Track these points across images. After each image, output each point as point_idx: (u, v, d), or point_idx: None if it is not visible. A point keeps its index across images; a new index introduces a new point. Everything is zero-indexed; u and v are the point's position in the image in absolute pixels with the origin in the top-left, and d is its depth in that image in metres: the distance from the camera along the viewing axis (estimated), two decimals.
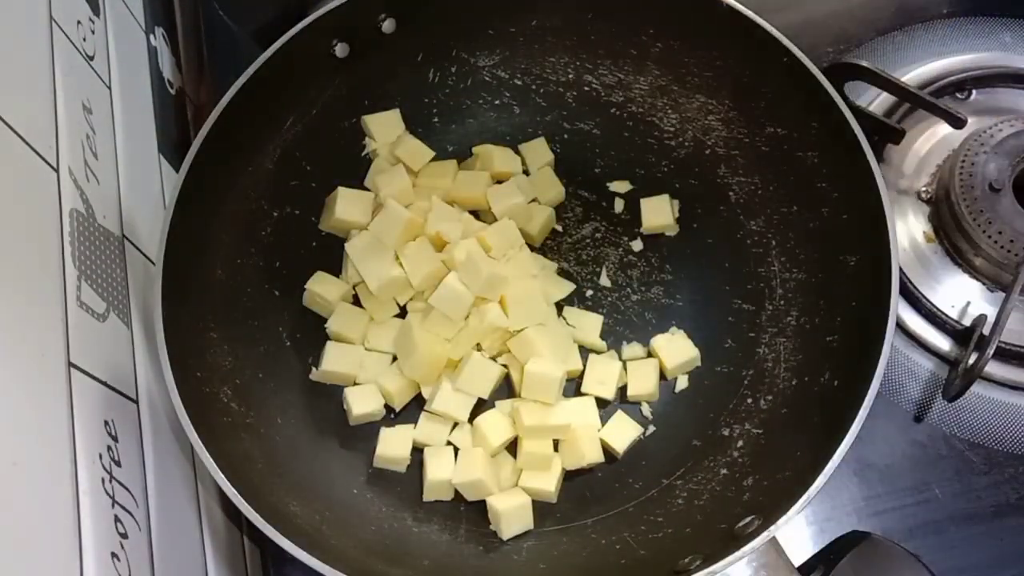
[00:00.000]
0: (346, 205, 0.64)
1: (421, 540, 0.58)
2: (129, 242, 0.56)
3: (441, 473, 0.59)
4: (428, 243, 0.63)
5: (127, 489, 0.46)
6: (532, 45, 0.68)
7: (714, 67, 0.65)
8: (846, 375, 0.55)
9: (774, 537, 0.47)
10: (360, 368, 0.63)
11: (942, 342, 0.67)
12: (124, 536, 0.44)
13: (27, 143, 0.44)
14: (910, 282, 0.68)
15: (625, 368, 0.65)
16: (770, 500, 0.51)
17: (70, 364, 0.43)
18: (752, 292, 0.65)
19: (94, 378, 0.46)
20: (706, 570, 0.47)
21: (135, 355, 0.53)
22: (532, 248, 0.68)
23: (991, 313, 0.65)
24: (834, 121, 0.57)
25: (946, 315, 0.67)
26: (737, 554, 0.47)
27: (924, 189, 0.72)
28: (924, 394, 0.66)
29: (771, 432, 0.58)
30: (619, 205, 0.70)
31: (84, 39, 0.55)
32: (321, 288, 0.64)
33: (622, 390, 0.65)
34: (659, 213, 0.68)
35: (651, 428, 0.64)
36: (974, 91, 0.76)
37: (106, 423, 0.46)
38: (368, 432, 0.62)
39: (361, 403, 0.61)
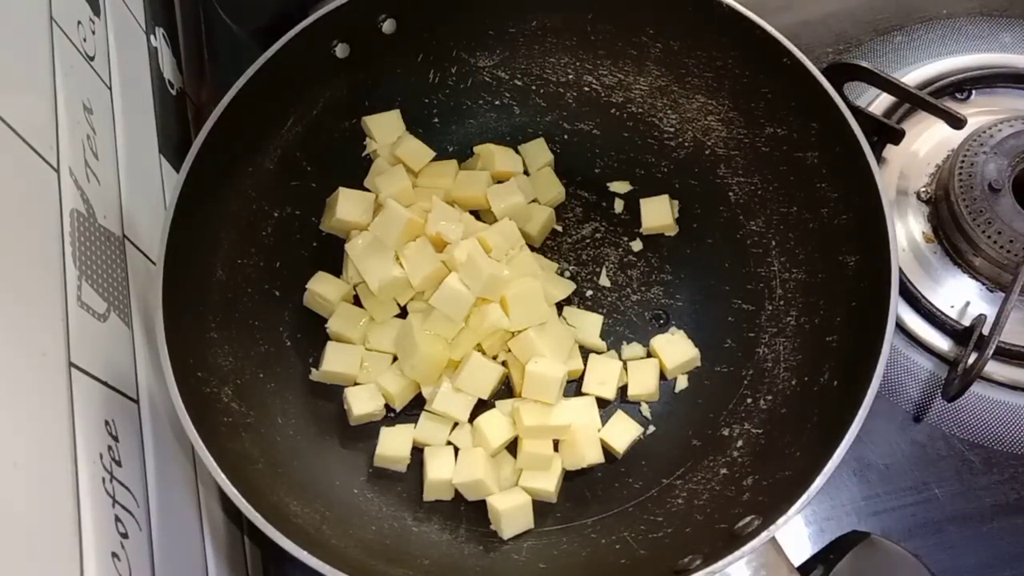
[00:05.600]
0: (347, 206, 0.64)
1: (421, 540, 0.58)
2: (130, 242, 0.56)
3: (441, 473, 0.59)
4: (428, 243, 0.63)
5: (127, 489, 0.46)
6: (532, 45, 0.68)
7: (714, 67, 0.65)
8: (846, 375, 0.55)
9: (774, 537, 0.47)
10: (360, 368, 0.63)
11: (941, 342, 0.67)
12: (124, 536, 0.44)
13: (27, 143, 0.45)
14: (910, 282, 0.68)
15: (625, 368, 0.65)
16: (770, 500, 0.51)
17: (71, 364, 0.43)
18: (752, 292, 0.65)
19: (95, 378, 0.46)
20: (706, 570, 0.47)
21: (136, 355, 0.53)
22: (532, 248, 0.68)
23: (990, 313, 0.65)
24: (834, 121, 0.57)
25: (945, 315, 0.67)
26: (737, 554, 0.47)
27: (923, 189, 0.72)
28: (924, 394, 0.66)
29: (771, 432, 0.58)
30: (619, 205, 0.70)
31: (84, 39, 0.55)
32: (322, 288, 0.64)
33: (622, 390, 0.65)
34: (659, 213, 0.69)
35: (651, 428, 0.64)
36: (974, 91, 0.76)
37: (106, 423, 0.46)
38: (368, 432, 0.62)
39: (361, 403, 0.61)
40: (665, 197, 0.69)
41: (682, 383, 0.65)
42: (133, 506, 0.46)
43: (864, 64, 0.67)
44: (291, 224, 0.65)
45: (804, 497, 0.48)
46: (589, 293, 0.68)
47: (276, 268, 0.63)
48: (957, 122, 0.68)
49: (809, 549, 0.60)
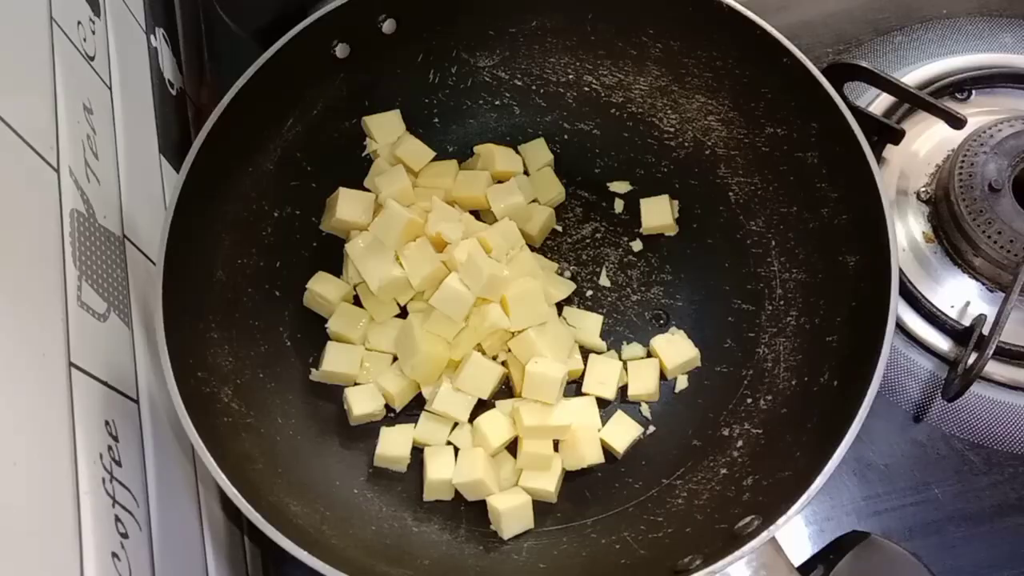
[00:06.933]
0: (347, 206, 0.64)
1: (421, 540, 0.58)
2: (130, 242, 0.56)
3: (441, 473, 0.59)
4: (428, 243, 0.63)
5: (127, 489, 0.46)
6: (532, 45, 0.69)
7: (714, 67, 0.65)
8: (846, 375, 0.55)
9: (774, 537, 0.47)
10: (360, 368, 0.63)
11: (941, 342, 0.67)
12: (124, 536, 0.44)
13: (27, 143, 0.45)
14: (910, 282, 0.68)
15: (625, 368, 0.65)
16: (770, 500, 0.51)
17: (71, 364, 0.43)
18: (752, 292, 0.65)
19: (95, 378, 0.46)
20: (706, 570, 0.47)
21: (136, 355, 0.53)
22: (532, 248, 0.68)
23: (990, 313, 0.65)
24: (834, 121, 0.57)
25: (945, 315, 0.67)
26: (737, 554, 0.47)
27: (923, 189, 0.72)
28: (924, 394, 0.66)
29: (771, 432, 0.58)
30: (619, 205, 0.70)
31: (84, 39, 0.55)
32: (322, 288, 0.64)
33: (622, 390, 0.65)
34: (659, 213, 0.69)
35: (651, 428, 0.64)
36: (974, 91, 0.76)
37: (106, 423, 0.46)
38: (368, 432, 0.62)
39: (361, 403, 0.62)
40: (665, 197, 0.69)
41: (682, 383, 0.65)
42: (133, 506, 0.46)
43: (864, 64, 0.67)
44: (291, 224, 0.65)
45: (804, 497, 0.48)
46: (589, 293, 0.68)
47: (276, 268, 0.63)
48: (957, 122, 0.68)
49: (809, 549, 0.61)
